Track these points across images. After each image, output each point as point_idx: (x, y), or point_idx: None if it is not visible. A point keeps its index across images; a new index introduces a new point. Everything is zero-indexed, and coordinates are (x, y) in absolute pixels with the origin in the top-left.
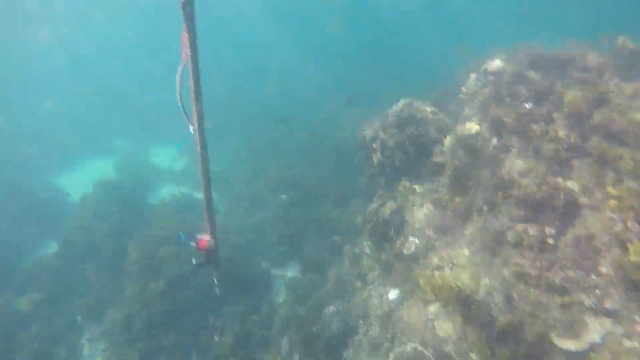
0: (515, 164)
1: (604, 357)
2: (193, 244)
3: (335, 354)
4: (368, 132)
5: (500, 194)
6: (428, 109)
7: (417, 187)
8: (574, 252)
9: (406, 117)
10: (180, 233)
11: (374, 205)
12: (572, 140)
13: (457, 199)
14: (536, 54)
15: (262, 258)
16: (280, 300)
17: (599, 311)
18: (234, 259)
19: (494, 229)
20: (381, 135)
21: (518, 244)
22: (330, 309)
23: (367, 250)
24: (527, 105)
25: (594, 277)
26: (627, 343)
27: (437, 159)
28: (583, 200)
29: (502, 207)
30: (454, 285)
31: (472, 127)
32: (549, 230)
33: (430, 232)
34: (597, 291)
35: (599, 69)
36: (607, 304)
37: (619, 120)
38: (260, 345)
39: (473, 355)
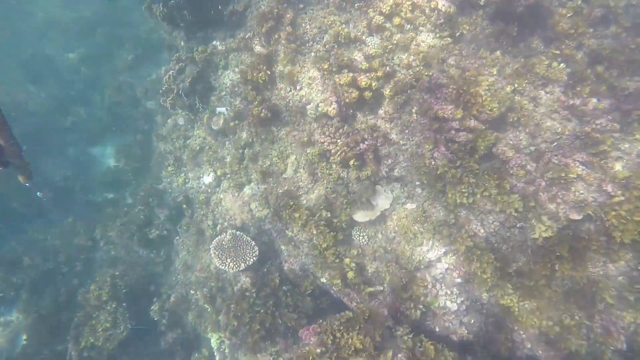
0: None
1: (392, 221)
2: None
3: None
4: None
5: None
6: None
7: (218, 45)
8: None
9: None
10: None
11: (171, 71)
12: None
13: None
14: None
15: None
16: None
17: (390, 178)
18: None
19: (295, 104)
20: None
21: (319, 117)
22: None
23: (180, 121)
24: None
25: (387, 146)
26: (408, 205)
27: (235, 5)
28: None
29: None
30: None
31: None
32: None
33: (237, 101)
34: (390, 160)
35: None
36: (396, 171)
37: None
38: None
39: (288, 232)
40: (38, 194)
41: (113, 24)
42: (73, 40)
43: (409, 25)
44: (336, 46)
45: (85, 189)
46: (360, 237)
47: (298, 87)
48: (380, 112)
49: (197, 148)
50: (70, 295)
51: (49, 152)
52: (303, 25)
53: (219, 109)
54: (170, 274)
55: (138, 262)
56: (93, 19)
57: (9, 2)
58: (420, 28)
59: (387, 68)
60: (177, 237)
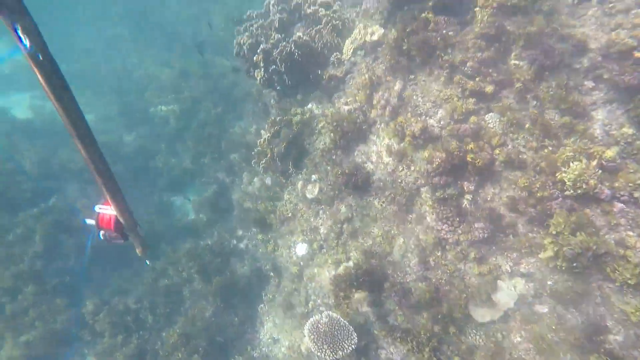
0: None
1: (516, 323)
2: (91, 221)
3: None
4: (245, 38)
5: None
6: None
7: (314, 108)
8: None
9: (293, 12)
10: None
11: (266, 135)
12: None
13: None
14: None
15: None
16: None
17: (514, 273)
18: None
19: (407, 182)
20: (263, 45)
21: (433, 200)
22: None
23: (268, 181)
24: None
25: (511, 236)
26: (538, 307)
27: (335, 71)
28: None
29: (414, 156)
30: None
31: (376, 31)
32: (468, 187)
33: (334, 169)
34: (515, 254)
35: None
36: (523, 267)
37: None
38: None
39: (390, 320)
40: (147, 262)
41: (200, 78)
42: (167, 94)
43: (535, 102)
44: (452, 122)
45: (165, 236)
46: (477, 337)
47: (412, 168)
48: (505, 198)
49: (289, 215)
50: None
51: (136, 197)
52: (414, 97)
53: (313, 176)
54: (255, 342)
55: (215, 321)
56: (183, 74)
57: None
58: (547, 104)
59: (510, 147)
60: (262, 305)
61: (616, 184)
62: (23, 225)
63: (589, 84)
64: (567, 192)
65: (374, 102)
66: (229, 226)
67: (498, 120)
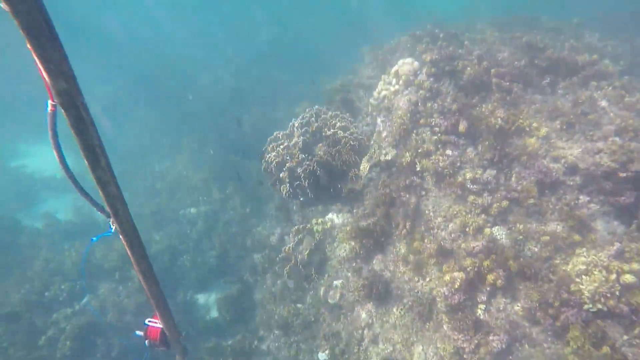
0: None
1: None
2: (140, 333)
3: None
4: (272, 156)
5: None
6: (338, 122)
7: (335, 218)
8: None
9: (314, 134)
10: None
11: (291, 243)
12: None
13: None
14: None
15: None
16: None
17: None
18: None
19: (423, 293)
20: (288, 163)
21: (450, 311)
22: None
23: (291, 284)
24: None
25: (527, 346)
26: None
27: (353, 185)
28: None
29: (429, 269)
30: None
31: (389, 152)
32: (481, 297)
33: (355, 277)
34: None
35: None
36: None
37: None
38: None
39: None
40: None
41: (227, 180)
42: (197, 195)
43: (537, 215)
44: (462, 235)
45: (188, 334)
46: None
47: (427, 279)
48: (518, 308)
49: (312, 319)
50: None
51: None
52: (426, 212)
53: (335, 282)
54: None
55: None
56: (213, 175)
57: (153, 170)
58: (549, 217)
59: (521, 259)
60: None
61: (635, 299)
62: (55, 327)
63: (584, 197)
64: (585, 307)
65: (391, 215)
66: (252, 326)
67: (505, 233)
